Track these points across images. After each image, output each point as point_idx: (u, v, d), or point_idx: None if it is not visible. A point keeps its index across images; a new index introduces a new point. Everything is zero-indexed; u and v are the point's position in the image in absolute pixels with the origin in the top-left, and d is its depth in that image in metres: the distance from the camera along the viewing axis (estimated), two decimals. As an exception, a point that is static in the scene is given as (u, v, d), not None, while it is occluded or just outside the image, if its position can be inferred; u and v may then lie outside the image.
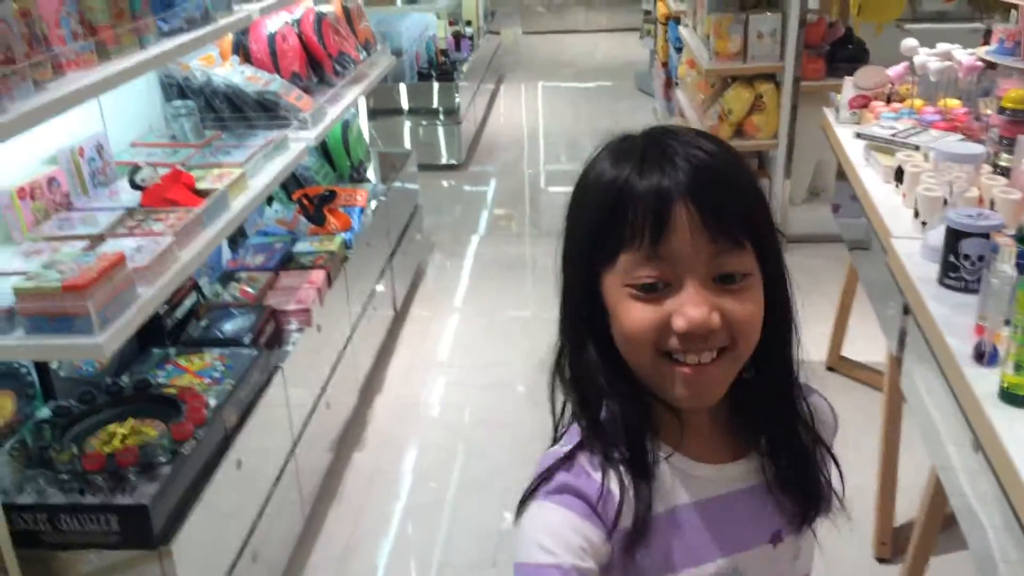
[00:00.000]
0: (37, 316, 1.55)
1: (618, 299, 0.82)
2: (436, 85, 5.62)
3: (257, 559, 2.12)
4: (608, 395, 0.86)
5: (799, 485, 0.92)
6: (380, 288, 3.38)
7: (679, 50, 5.29)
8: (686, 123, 4.86)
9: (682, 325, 0.79)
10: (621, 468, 0.84)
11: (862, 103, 2.77)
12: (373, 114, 4.74)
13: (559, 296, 0.89)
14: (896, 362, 2.17)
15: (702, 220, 0.78)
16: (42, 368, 1.94)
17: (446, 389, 3.35)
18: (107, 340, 1.55)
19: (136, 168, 2.08)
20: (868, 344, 3.34)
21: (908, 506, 2.44)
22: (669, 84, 5.84)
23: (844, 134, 2.70)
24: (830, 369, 3.29)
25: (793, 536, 0.93)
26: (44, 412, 1.86)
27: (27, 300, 1.55)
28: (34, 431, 1.77)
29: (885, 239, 2.05)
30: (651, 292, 0.80)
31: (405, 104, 5.63)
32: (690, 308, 0.79)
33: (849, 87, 2.79)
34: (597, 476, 0.84)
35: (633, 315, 0.81)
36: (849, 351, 3.30)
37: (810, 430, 0.95)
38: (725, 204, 0.80)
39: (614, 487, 0.83)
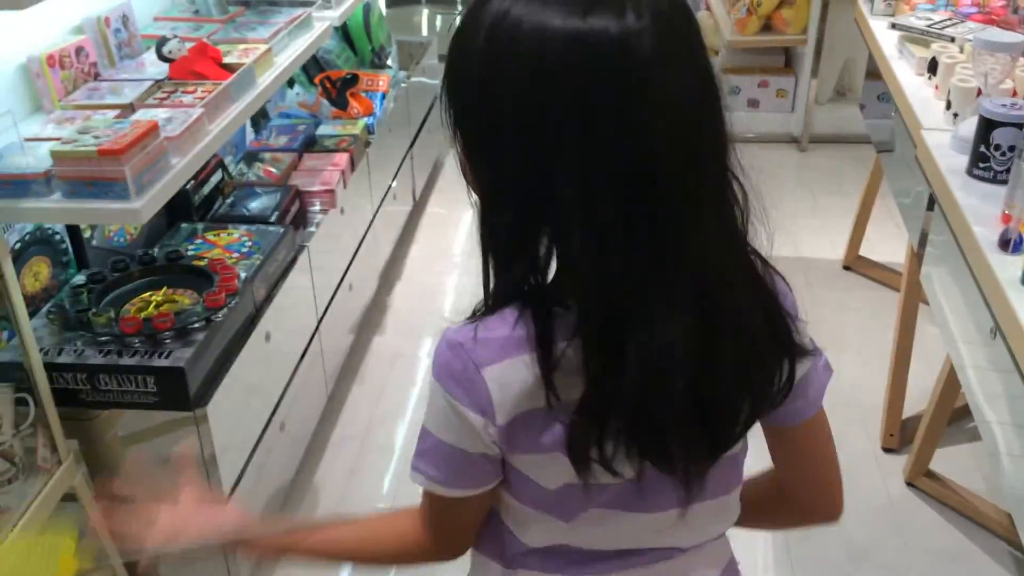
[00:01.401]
0: (74, 180, 1.57)
1: None
2: (456, -27, 5.48)
3: (284, 429, 2.20)
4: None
5: None
6: (400, 177, 3.38)
7: (709, -59, 5.12)
8: (712, 16, 4.74)
9: None
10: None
11: (898, -6, 2.70)
12: (390, 1, 4.64)
13: None
14: (916, 256, 2.19)
15: None
16: (75, 237, 1.98)
17: (460, 279, 3.39)
18: (143, 206, 1.58)
19: (164, 40, 2.06)
20: (886, 245, 3.36)
21: (914, 402, 2.50)
22: (696, -23, 5.67)
23: (878, 26, 2.64)
24: (847, 268, 3.32)
25: None
26: (79, 278, 1.91)
27: (64, 164, 1.57)
28: (71, 295, 1.81)
29: (915, 131, 2.04)
30: None
31: (424, -9, 5.50)
32: None
33: (886, -22, 2.72)
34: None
35: None
36: (866, 251, 3.32)
37: None
38: None
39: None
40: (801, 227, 3.64)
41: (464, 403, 0.79)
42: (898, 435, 2.48)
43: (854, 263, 3.30)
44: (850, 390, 2.71)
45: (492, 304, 0.79)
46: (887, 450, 2.48)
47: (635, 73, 0.68)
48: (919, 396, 2.51)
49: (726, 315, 0.76)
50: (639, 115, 0.69)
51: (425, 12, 5.53)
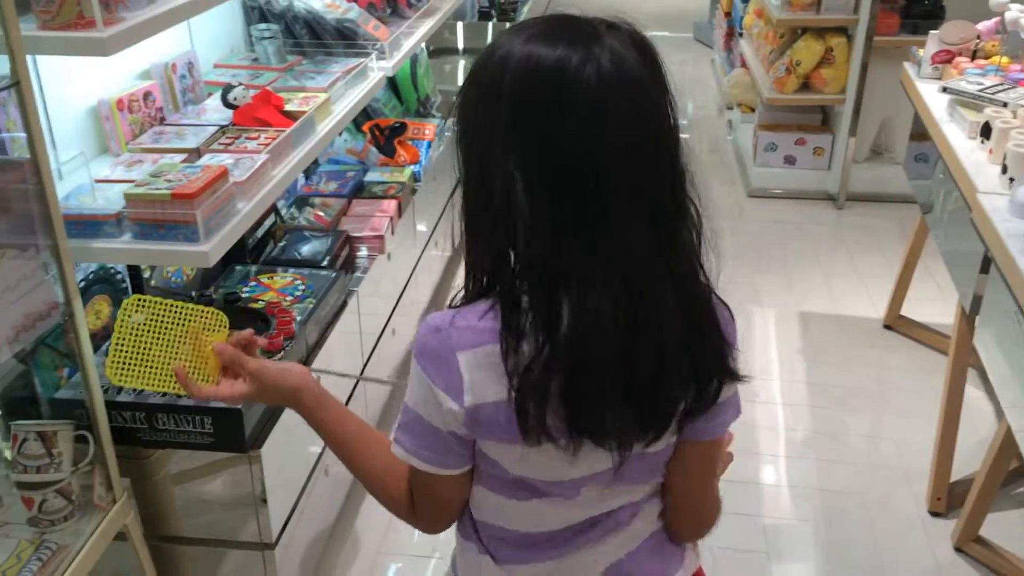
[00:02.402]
0: (146, 222, 1.60)
1: None
2: (493, 25, 5.57)
3: (328, 474, 2.20)
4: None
5: None
6: (441, 224, 3.42)
7: (746, 0, 5.20)
8: (749, 73, 4.79)
9: None
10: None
11: (946, 58, 2.73)
12: (430, 52, 4.72)
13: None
14: (968, 321, 2.18)
15: None
16: (135, 276, 2.00)
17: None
18: (212, 249, 1.60)
19: (229, 87, 2.11)
20: (927, 305, 3.34)
21: (958, 466, 2.46)
22: (731, 34, 5.75)
23: (926, 89, 2.66)
24: (887, 327, 3.30)
25: None
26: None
27: (137, 206, 1.60)
28: (132, 335, 1.83)
29: (970, 195, 2.04)
30: None
31: (461, 43, 5.59)
32: None
33: (934, 42, 2.75)
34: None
35: None
36: (907, 310, 3.30)
37: None
38: None
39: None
40: (839, 285, 3.63)
41: (437, 383, 0.90)
42: (946, 499, 2.44)
43: (895, 322, 3.28)
44: (894, 451, 2.68)
45: (470, 294, 0.92)
46: (934, 514, 2.44)
47: (584, 97, 0.84)
48: (964, 459, 2.48)
49: (650, 306, 0.88)
50: (584, 131, 0.84)
51: (462, 63, 5.62)
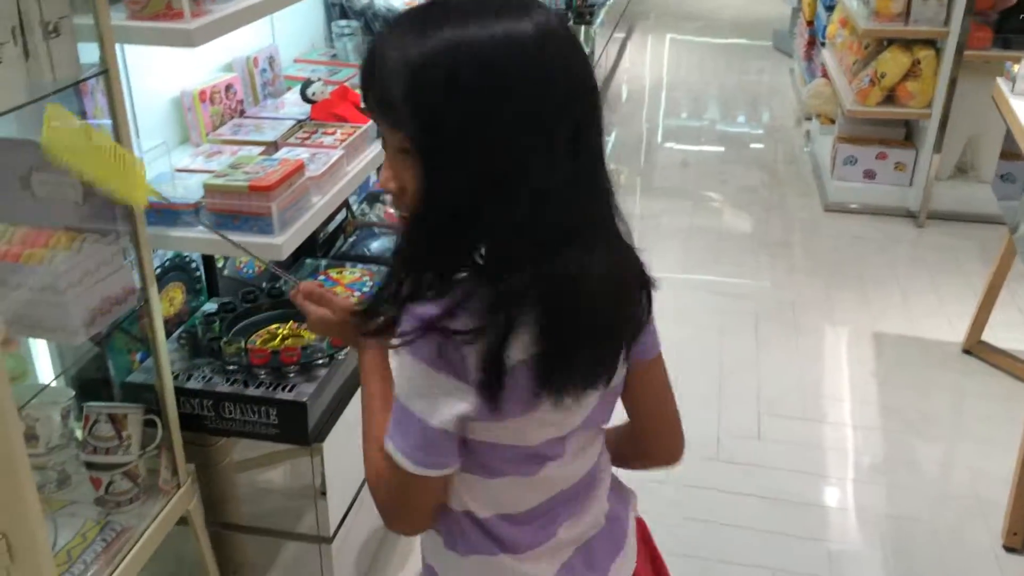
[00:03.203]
0: (222, 212, 1.62)
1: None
2: (570, 27, 5.54)
3: (387, 470, 2.20)
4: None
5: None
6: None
7: (830, 8, 5.07)
8: (831, 84, 4.68)
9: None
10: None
11: (1043, 75, 2.61)
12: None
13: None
14: (1056, 348, 2.08)
15: (371, 106, 0.96)
16: (209, 266, 2.04)
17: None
18: (286, 241, 1.62)
19: (308, 82, 2.13)
20: (1010, 331, 3.21)
21: (1041, 500, 2.36)
22: (812, 44, 5.62)
23: (1020, 107, 2.55)
24: (966, 352, 3.17)
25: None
26: (210, 306, 1.96)
27: (215, 196, 1.62)
28: (204, 322, 1.86)
29: (1066, 217, 1.95)
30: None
31: (539, 45, 5.58)
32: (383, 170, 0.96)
33: (1031, 57, 2.64)
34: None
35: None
36: (988, 336, 3.17)
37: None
38: (375, 94, 0.95)
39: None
40: (916, 304, 3.51)
41: (442, 370, 0.91)
42: (1023, 534, 2.33)
43: (975, 347, 3.16)
44: (969, 481, 2.58)
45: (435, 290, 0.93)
46: (1009, 549, 2.33)
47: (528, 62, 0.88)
48: (1046, 494, 2.37)
49: (614, 249, 0.97)
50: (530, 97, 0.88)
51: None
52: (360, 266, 2.29)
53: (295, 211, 1.68)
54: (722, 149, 5.25)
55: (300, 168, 1.70)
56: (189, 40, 1.50)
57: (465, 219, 0.91)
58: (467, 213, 0.90)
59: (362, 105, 0.97)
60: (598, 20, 5.69)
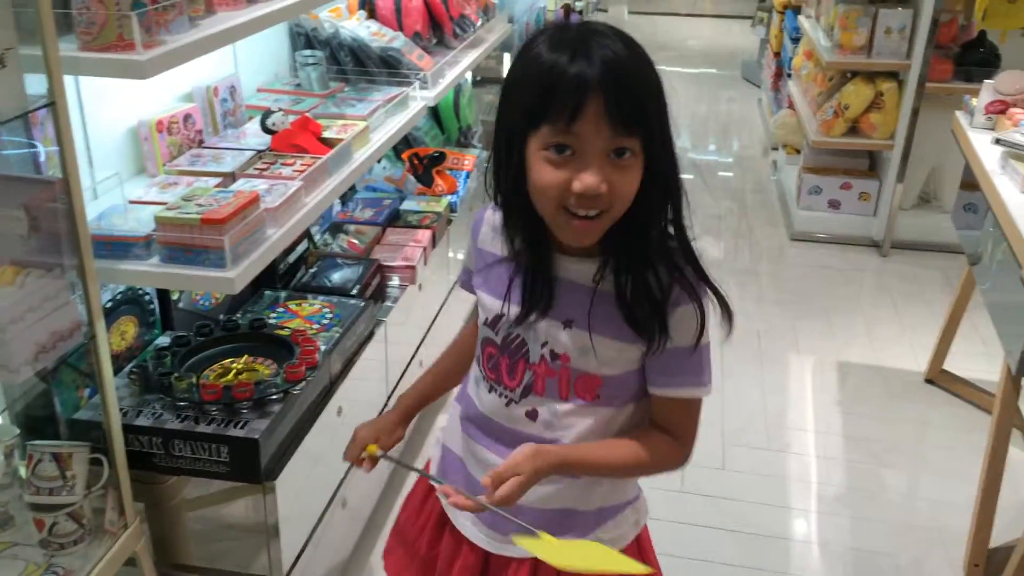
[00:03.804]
0: (174, 246, 1.60)
1: (536, 158, 1.08)
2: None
3: (346, 506, 2.17)
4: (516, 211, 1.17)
5: (620, 301, 1.16)
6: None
7: (795, 40, 5.15)
8: (796, 115, 4.74)
9: (579, 188, 1.06)
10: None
11: (1000, 108, 2.65)
12: (477, 82, 4.73)
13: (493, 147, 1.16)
14: (1014, 381, 2.09)
15: (607, 111, 1.03)
16: (163, 298, 2.00)
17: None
18: (238, 275, 1.59)
19: (269, 112, 2.11)
20: (972, 361, 3.23)
21: (999, 531, 2.36)
22: (780, 75, 5.70)
23: (978, 139, 2.59)
24: (929, 381, 3.19)
25: (581, 332, 1.18)
26: (163, 340, 1.93)
27: (167, 229, 1.60)
28: (155, 357, 1.82)
29: (1020, 250, 1.96)
30: (560, 154, 1.06)
31: (509, 74, 5.59)
32: (587, 176, 1.05)
33: (988, 91, 2.68)
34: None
35: (544, 174, 1.08)
36: (950, 365, 3.20)
37: (660, 280, 1.15)
38: (626, 99, 1.04)
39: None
40: (881, 334, 3.54)
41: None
42: (983, 566, 2.33)
43: (938, 377, 3.18)
44: (931, 512, 2.58)
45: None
46: (972, 582, 2.34)
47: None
48: (1005, 524, 2.37)
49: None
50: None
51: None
52: (321, 298, 2.26)
53: (249, 244, 1.66)
54: (691, 177, 5.29)
55: (255, 200, 1.67)
56: (141, 72, 1.48)
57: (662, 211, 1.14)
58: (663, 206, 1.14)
59: (604, 114, 1.04)
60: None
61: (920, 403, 3.10)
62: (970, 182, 2.67)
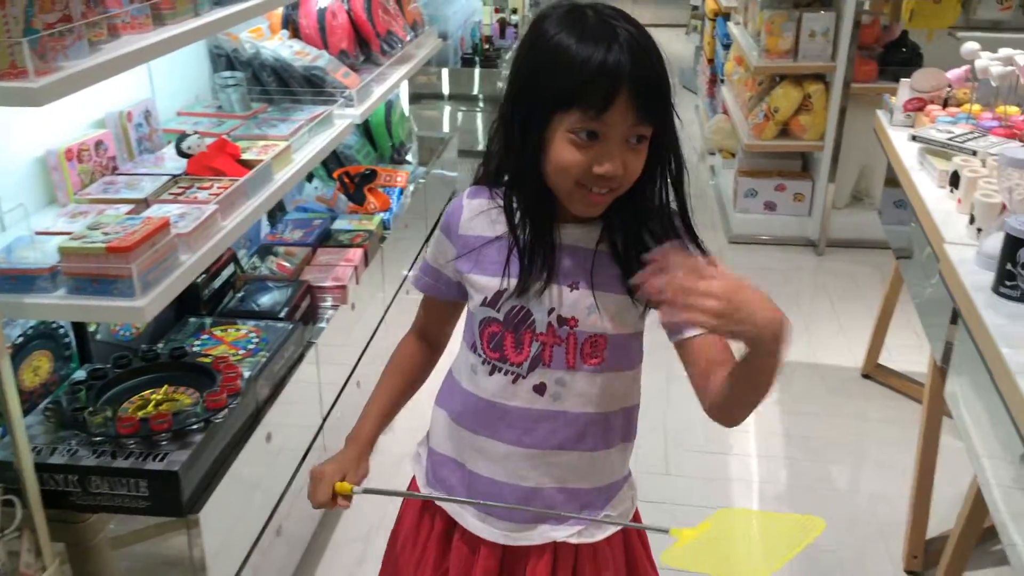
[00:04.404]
0: (80, 277, 1.55)
1: (560, 138, 1.14)
2: (479, 71, 5.58)
3: (281, 533, 2.12)
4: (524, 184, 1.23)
5: (617, 259, 1.23)
6: (414, 272, 3.37)
7: (727, 47, 5.22)
8: (729, 119, 4.80)
9: (600, 172, 1.14)
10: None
11: (918, 106, 2.71)
12: (414, 97, 4.72)
13: (500, 120, 1.23)
14: (940, 372, 2.12)
15: (635, 104, 1.11)
16: (79, 331, 1.95)
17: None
18: (148, 304, 1.55)
19: (183, 136, 2.07)
20: (906, 354, 3.28)
21: (938, 520, 2.39)
22: (714, 81, 5.77)
23: (897, 137, 2.64)
24: (865, 376, 3.24)
25: (586, 291, 1.23)
26: (80, 374, 1.87)
27: (71, 260, 1.55)
28: (69, 392, 1.77)
29: (937, 245, 2.00)
30: (588, 139, 1.13)
31: (447, 89, 5.59)
32: (610, 161, 1.13)
33: (905, 89, 2.73)
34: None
35: (567, 155, 1.14)
36: (885, 359, 3.25)
37: (655, 235, 1.23)
38: (652, 93, 1.12)
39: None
40: (819, 332, 3.58)
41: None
42: (922, 557, 2.36)
43: (873, 371, 3.22)
44: (868, 505, 2.61)
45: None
46: (910, 573, 2.36)
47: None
48: (943, 514, 2.41)
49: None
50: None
51: (447, 108, 5.62)
52: (250, 323, 2.22)
53: (160, 271, 1.62)
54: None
55: (165, 226, 1.64)
56: (34, 100, 1.43)
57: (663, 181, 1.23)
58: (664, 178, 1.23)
59: (632, 106, 1.11)
60: (504, 64, 5.74)
61: (858, 398, 3.14)
62: (894, 179, 2.72)
